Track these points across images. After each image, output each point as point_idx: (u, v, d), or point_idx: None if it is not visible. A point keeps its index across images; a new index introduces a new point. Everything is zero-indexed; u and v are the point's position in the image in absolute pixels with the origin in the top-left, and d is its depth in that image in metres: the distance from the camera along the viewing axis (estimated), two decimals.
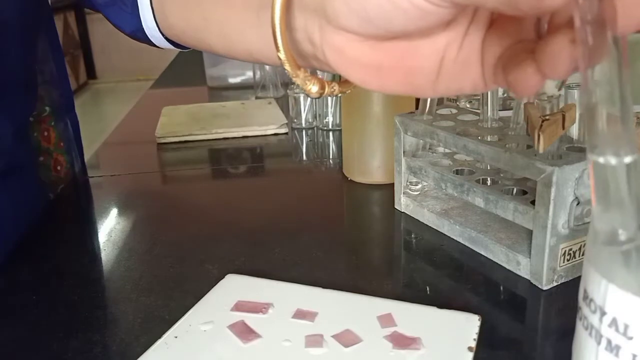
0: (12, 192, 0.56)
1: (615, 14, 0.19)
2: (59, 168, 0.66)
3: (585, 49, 0.19)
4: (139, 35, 0.48)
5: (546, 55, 0.21)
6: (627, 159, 0.19)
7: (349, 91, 0.30)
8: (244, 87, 1.18)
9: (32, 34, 0.60)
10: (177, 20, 0.43)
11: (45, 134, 0.63)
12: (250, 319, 0.39)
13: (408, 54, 0.25)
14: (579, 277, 0.26)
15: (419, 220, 0.55)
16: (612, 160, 0.19)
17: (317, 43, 0.27)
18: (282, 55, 0.28)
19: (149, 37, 0.48)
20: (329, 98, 0.85)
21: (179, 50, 0.49)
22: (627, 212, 0.19)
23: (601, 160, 0.19)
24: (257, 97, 1.10)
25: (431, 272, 0.47)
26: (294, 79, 0.29)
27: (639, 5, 0.19)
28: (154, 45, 0.50)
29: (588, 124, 0.19)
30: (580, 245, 0.43)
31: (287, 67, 0.28)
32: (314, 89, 0.29)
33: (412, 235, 0.54)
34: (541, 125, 0.40)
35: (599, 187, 0.19)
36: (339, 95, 0.31)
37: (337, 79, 0.30)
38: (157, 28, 0.46)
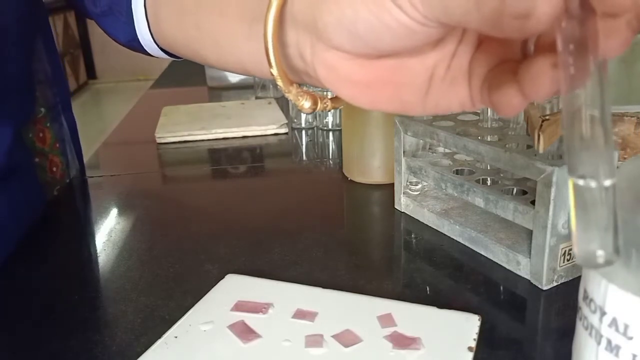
0: (12, 193, 0.56)
1: (597, 38, 0.19)
2: (54, 169, 0.65)
3: (567, 73, 0.19)
4: (134, 44, 0.49)
5: (528, 77, 0.22)
6: (607, 183, 0.19)
7: (342, 107, 0.31)
8: (244, 87, 1.18)
9: (30, 36, 0.60)
10: (172, 30, 0.44)
11: (41, 135, 0.63)
12: (250, 319, 0.39)
13: (397, 72, 0.26)
14: (579, 277, 0.26)
15: (419, 220, 0.55)
16: (592, 184, 0.19)
17: (308, 60, 0.27)
18: (274, 71, 0.28)
19: (144, 46, 0.48)
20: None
21: (175, 59, 0.49)
22: (605, 235, 0.19)
23: (581, 182, 0.19)
24: (257, 97, 1.10)
25: (431, 272, 0.47)
26: (286, 95, 0.29)
27: (621, 29, 0.19)
28: (149, 55, 0.50)
29: (568, 146, 0.19)
30: None
31: (279, 82, 0.29)
32: (306, 104, 0.29)
33: (412, 235, 0.54)
34: (541, 125, 0.40)
35: (578, 209, 0.19)
36: (331, 110, 0.31)
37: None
38: (151, 38, 0.47)
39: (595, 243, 0.19)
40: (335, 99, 0.30)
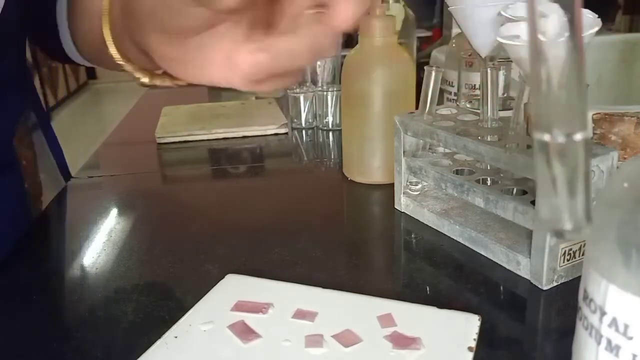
0: (8, 190, 0.56)
1: None
2: (34, 186, 0.65)
3: None
4: (62, 57, 0.52)
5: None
6: (578, 136, 0.16)
7: (183, 83, 0.35)
8: None
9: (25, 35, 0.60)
10: (81, 38, 0.48)
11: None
12: (250, 319, 0.39)
13: (197, 49, 0.30)
14: (579, 277, 0.26)
15: (419, 220, 0.55)
16: (559, 138, 0.16)
17: (142, 44, 0.32)
18: (111, 49, 0.35)
19: (71, 57, 0.51)
20: (329, 98, 0.86)
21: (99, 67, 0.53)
22: (574, 197, 0.16)
23: (547, 138, 0.16)
24: (257, 97, 1.10)
25: (431, 272, 0.47)
26: (125, 68, 0.35)
27: None
28: (79, 65, 0.53)
29: (535, 98, 0.16)
30: (580, 245, 0.43)
31: (116, 57, 0.35)
32: (143, 78, 0.35)
33: (412, 235, 0.54)
34: None
35: (544, 168, 0.16)
36: (174, 87, 0.36)
37: None
38: (75, 49, 0.49)
39: (563, 207, 0.16)
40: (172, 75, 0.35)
